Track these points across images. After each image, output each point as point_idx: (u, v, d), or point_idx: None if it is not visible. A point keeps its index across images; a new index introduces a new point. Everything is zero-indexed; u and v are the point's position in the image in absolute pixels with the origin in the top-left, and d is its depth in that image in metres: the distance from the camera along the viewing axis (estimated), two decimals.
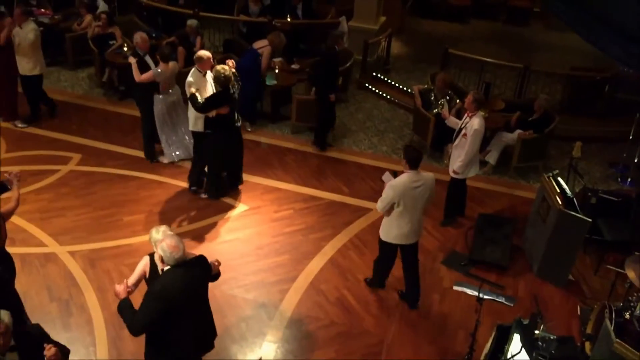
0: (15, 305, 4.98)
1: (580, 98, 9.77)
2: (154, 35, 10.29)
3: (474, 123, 6.64)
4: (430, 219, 7.38)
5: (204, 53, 7.17)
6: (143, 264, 4.48)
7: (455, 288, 6.35)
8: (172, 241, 4.06)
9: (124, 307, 4.15)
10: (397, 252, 5.92)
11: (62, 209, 7.12)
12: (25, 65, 8.44)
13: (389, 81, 10.67)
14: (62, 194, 7.38)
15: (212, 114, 6.96)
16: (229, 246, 6.75)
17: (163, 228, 4.44)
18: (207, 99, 6.91)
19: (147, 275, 4.46)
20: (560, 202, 6.23)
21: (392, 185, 5.53)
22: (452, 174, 7.04)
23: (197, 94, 6.88)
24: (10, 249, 6.36)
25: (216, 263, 4.49)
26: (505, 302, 6.17)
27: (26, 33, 8.22)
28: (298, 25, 11.01)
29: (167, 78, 7.65)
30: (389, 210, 5.61)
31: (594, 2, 6.30)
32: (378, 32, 10.70)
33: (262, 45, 8.80)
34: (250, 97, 8.73)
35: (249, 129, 8.93)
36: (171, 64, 7.69)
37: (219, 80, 6.81)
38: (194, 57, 7.23)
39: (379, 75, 10.79)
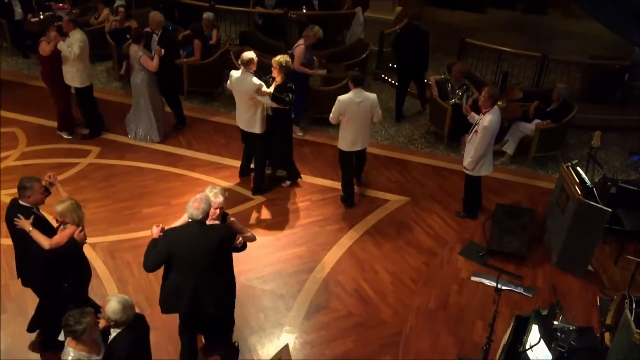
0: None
1: (599, 86, 9.65)
2: (170, 27, 10.34)
3: (485, 120, 6.54)
4: (447, 210, 7.37)
5: (252, 55, 6.87)
6: (187, 216, 4.75)
7: (473, 279, 6.34)
8: (197, 199, 4.55)
9: (150, 244, 4.65)
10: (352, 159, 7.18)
11: (82, 202, 7.06)
12: (68, 75, 8.08)
13: None
14: (82, 187, 7.46)
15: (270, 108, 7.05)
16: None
17: (217, 189, 4.86)
18: (286, 94, 6.92)
19: None
20: (579, 192, 6.17)
21: (339, 99, 6.79)
22: (464, 170, 7.00)
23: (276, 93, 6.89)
24: None
25: (240, 239, 4.85)
26: (524, 293, 6.15)
27: (72, 43, 7.83)
28: (314, 17, 10.99)
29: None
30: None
31: None
32: (394, 22, 10.64)
33: (295, 46, 8.44)
34: (297, 101, 8.24)
35: (300, 134, 8.74)
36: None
37: (287, 68, 6.94)
38: (241, 60, 6.85)
39: (395, 66, 10.73)
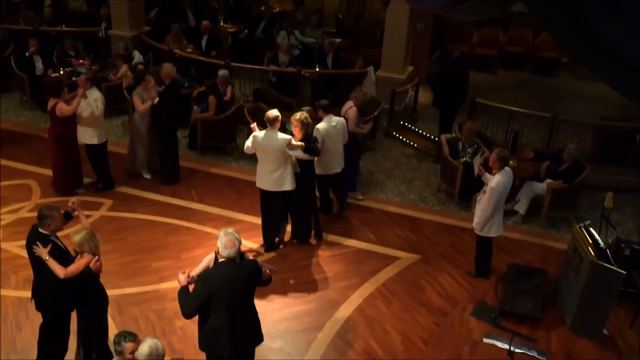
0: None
1: (611, 148, 9.65)
2: (186, 84, 10.59)
3: (493, 181, 6.54)
4: (459, 269, 7.29)
5: (277, 113, 6.93)
6: (208, 259, 5.02)
7: (486, 341, 6.19)
8: (231, 239, 4.69)
9: (181, 292, 4.75)
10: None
11: None
12: (85, 134, 8.15)
13: (416, 130, 10.74)
14: None
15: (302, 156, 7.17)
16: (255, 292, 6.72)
17: (231, 229, 4.86)
18: (316, 143, 7.16)
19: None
20: (593, 254, 6.10)
21: (319, 128, 7.39)
22: (474, 229, 6.95)
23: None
24: None
25: (267, 271, 5.03)
26: (538, 357, 5.99)
27: (92, 102, 7.95)
28: (326, 75, 11.22)
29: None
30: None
31: (625, 50, 6.30)
32: (405, 82, 10.83)
33: (347, 108, 8.44)
34: (352, 165, 8.53)
35: (360, 197, 8.73)
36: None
37: (308, 125, 7.10)
38: (267, 118, 6.87)
39: (406, 123, 10.87)
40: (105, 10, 12.39)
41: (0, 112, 10.71)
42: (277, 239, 7.56)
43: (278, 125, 6.92)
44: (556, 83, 13.39)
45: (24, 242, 7.13)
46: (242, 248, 6.96)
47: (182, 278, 4.79)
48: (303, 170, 7.22)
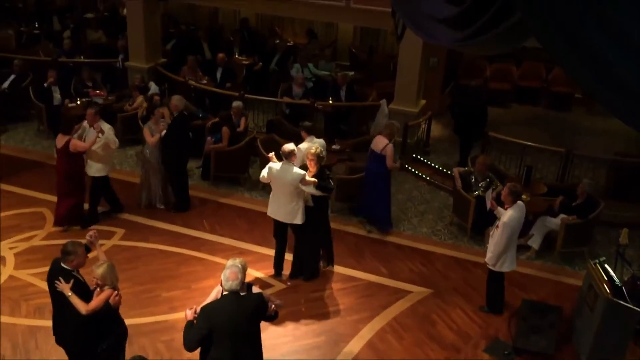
0: None
1: (625, 183, 9.58)
2: (200, 115, 10.70)
3: (505, 216, 6.50)
4: (471, 304, 7.20)
5: (294, 147, 7.06)
6: (216, 292, 5.02)
7: None
8: (234, 271, 4.65)
9: (187, 326, 4.72)
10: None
11: None
12: (95, 167, 8.20)
13: (429, 163, 10.74)
14: None
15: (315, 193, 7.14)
16: (264, 325, 6.66)
17: (239, 260, 4.89)
18: (328, 181, 7.13)
19: None
20: (608, 291, 6.00)
21: (300, 149, 7.49)
22: (486, 264, 6.88)
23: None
24: (48, 323, 6.45)
25: (273, 306, 4.95)
26: None
27: (108, 133, 8.02)
28: (339, 107, 11.30)
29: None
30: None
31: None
32: (418, 115, 10.88)
33: (383, 145, 8.29)
34: (387, 202, 8.65)
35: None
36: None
37: (322, 159, 7.13)
38: (283, 152, 6.95)
39: (418, 156, 10.88)
40: (123, 42, 12.64)
41: (17, 140, 10.86)
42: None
43: (294, 159, 6.97)
44: (570, 118, 13.37)
45: (36, 271, 7.21)
46: (252, 279, 6.98)
47: (189, 313, 4.77)
48: (316, 205, 7.19)
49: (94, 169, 8.25)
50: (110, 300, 5.00)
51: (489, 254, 6.72)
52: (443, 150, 11.35)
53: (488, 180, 8.53)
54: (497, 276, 6.87)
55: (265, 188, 9.51)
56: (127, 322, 6.51)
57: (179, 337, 6.17)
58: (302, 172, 6.90)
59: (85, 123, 8.16)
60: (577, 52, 1.87)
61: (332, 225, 8.74)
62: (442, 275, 7.81)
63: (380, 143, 8.37)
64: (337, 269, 7.79)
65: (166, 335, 6.39)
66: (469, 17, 2.74)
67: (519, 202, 6.55)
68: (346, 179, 9.09)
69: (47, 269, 7.30)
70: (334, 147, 9.88)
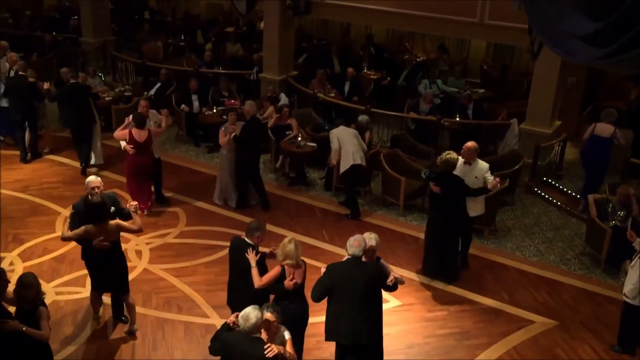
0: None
1: None
2: (326, 127, 10.91)
3: None
4: (601, 342, 6.69)
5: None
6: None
7: None
8: (358, 239, 5.34)
9: (317, 281, 5.44)
10: None
11: (226, 283, 7.50)
12: (157, 148, 9.28)
13: (561, 187, 10.16)
14: (228, 270, 7.80)
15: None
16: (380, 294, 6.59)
17: (373, 235, 5.65)
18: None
19: None
20: None
21: (332, 132, 9.13)
22: (624, 297, 6.35)
23: None
24: (176, 316, 6.88)
25: (393, 278, 5.45)
26: None
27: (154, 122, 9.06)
28: (466, 125, 11.03)
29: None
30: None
31: None
32: (551, 136, 10.34)
33: (611, 131, 9.14)
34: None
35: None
36: None
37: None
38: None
39: (550, 180, 10.32)
40: (258, 56, 13.23)
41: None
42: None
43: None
44: None
45: (167, 266, 7.70)
46: None
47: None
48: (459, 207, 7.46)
49: (157, 151, 9.24)
50: (286, 284, 5.42)
51: (629, 286, 6.21)
52: (577, 174, 10.67)
53: (627, 209, 7.89)
54: (635, 311, 6.33)
55: (386, 203, 9.49)
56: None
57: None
58: (486, 164, 7.52)
59: (130, 118, 8.78)
60: None
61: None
62: (569, 308, 7.33)
63: (606, 128, 9.14)
64: (455, 290, 7.57)
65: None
66: (612, 34, 2.58)
67: None
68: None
69: (177, 265, 7.84)
70: None
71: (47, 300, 6.80)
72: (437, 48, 15.33)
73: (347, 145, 8.98)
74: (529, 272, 8.04)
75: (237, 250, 5.73)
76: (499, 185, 7.62)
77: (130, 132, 8.55)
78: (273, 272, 5.51)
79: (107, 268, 6.22)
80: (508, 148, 10.48)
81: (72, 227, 6.13)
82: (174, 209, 9.30)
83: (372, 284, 5.34)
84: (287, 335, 4.79)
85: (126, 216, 6.35)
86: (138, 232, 6.46)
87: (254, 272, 5.50)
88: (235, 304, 5.66)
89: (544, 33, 3.65)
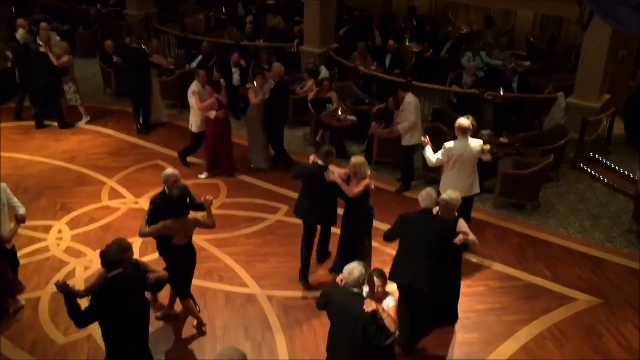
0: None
1: None
2: (367, 100, 10.83)
3: None
4: None
5: (468, 122, 7.13)
6: None
7: None
8: (429, 192, 5.76)
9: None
10: None
11: (266, 255, 7.63)
12: (196, 123, 9.45)
13: (608, 163, 9.86)
14: (268, 241, 7.91)
15: None
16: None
17: (450, 190, 5.91)
18: None
19: None
20: None
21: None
22: None
23: None
24: (217, 285, 7.01)
25: (461, 237, 5.62)
26: None
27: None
28: (511, 99, 10.78)
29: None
30: None
31: None
32: (600, 110, 10.03)
33: None
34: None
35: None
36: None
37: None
38: (459, 126, 7.09)
39: (596, 156, 10.04)
40: (299, 28, 13.15)
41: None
42: None
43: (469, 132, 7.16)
44: None
45: (208, 237, 7.81)
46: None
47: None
48: None
49: (195, 124, 9.59)
50: (368, 182, 6.41)
51: None
52: (626, 150, 10.37)
53: None
54: None
55: (427, 178, 9.39)
56: (285, 294, 6.89)
57: None
58: (479, 140, 7.29)
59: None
60: None
61: (493, 220, 8.46)
62: (614, 286, 7.18)
63: None
64: (497, 266, 7.50)
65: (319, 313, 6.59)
66: None
67: None
68: (513, 174, 8.68)
69: (218, 236, 7.93)
70: (501, 139, 9.47)
71: (94, 268, 7.09)
72: (483, 19, 14.96)
73: (419, 119, 8.94)
74: (573, 249, 7.89)
75: (315, 172, 6.55)
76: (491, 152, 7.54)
77: (216, 100, 8.99)
78: (363, 183, 6.40)
79: (185, 269, 6.08)
80: (554, 122, 10.21)
81: (149, 222, 5.84)
82: (214, 180, 9.42)
83: (436, 239, 5.61)
84: (392, 302, 4.83)
85: (198, 208, 6.19)
86: (212, 227, 6.15)
87: (344, 185, 6.43)
88: (324, 214, 6.89)
89: (594, 2, 3.52)
